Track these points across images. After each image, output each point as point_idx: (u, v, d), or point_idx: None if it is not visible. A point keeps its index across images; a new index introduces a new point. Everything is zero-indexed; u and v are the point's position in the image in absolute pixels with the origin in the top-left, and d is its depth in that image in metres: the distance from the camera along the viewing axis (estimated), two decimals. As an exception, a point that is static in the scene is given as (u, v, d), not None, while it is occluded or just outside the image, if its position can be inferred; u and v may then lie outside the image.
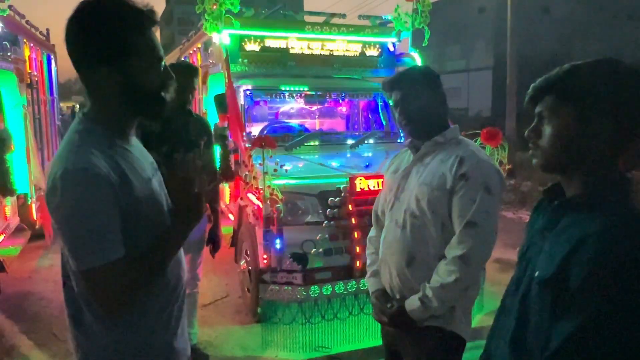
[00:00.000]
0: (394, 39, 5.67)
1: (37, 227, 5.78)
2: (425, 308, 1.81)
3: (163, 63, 1.35)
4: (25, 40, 5.73)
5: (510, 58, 12.62)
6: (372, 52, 5.68)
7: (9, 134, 4.24)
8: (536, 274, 1.07)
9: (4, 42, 4.77)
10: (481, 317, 4.16)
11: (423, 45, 5.48)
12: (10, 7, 4.61)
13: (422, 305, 1.81)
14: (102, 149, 1.28)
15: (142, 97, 1.32)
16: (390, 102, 1.92)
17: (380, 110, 5.73)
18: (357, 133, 5.61)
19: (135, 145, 1.45)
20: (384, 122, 5.66)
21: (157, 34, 1.35)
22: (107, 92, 1.30)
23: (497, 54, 20.31)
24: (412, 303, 1.84)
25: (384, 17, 5.73)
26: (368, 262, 2.14)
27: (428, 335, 1.87)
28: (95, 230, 1.21)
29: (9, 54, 4.97)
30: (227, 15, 4.76)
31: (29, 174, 5.40)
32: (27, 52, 5.76)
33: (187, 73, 3.20)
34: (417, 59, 5.47)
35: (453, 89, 23.32)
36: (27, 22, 6.03)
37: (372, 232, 2.15)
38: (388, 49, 5.72)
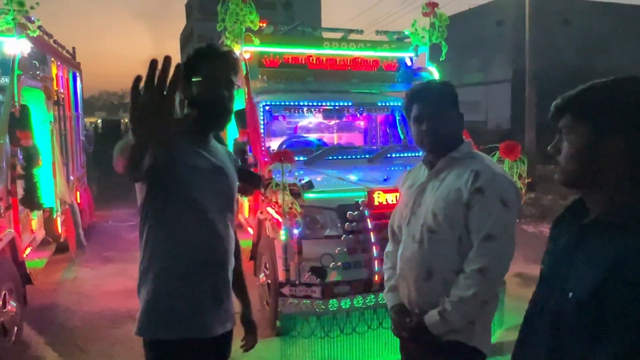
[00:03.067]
0: (412, 54, 5.72)
1: (61, 240, 5.92)
2: (445, 322, 1.81)
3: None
4: (53, 59, 5.94)
5: (529, 71, 12.55)
6: (390, 67, 5.73)
7: (37, 149, 4.38)
8: (570, 295, 1.08)
9: (33, 62, 4.96)
10: (502, 333, 4.12)
11: (441, 59, 5.52)
12: (39, 27, 4.79)
13: (442, 320, 1.81)
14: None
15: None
16: (409, 115, 1.94)
17: (398, 125, 5.76)
18: (375, 147, 5.64)
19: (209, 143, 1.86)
20: (402, 136, 5.69)
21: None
22: None
23: (516, 67, 20.15)
24: (432, 317, 1.84)
25: (401, 33, 5.78)
26: (385, 277, 2.15)
27: (448, 350, 1.87)
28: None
29: (38, 72, 5.16)
30: (247, 33, 4.88)
31: (54, 188, 5.54)
32: (54, 71, 5.97)
33: None
34: (435, 74, 5.50)
35: (471, 102, 23.16)
36: (54, 41, 6.25)
37: (389, 247, 2.16)
38: (405, 63, 5.77)
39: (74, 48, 7.99)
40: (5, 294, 3.62)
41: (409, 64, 5.77)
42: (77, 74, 7.82)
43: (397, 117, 5.70)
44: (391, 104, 5.57)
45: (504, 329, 4.17)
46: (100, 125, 23.21)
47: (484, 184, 1.77)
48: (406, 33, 5.65)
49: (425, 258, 1.88)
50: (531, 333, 1.22)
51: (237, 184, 1.98)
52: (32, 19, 4.43)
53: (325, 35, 6.58)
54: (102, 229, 8.26)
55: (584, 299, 1.03)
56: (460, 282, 1.80)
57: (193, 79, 1.76)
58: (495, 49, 24.65)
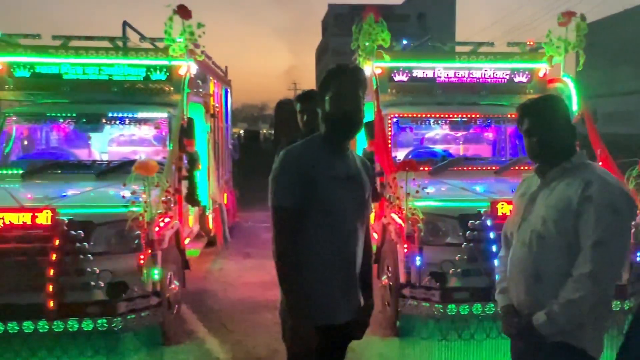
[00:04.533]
0: (545, 65, 5.58)
1: (211, 234, 6.80)
2: (552, 323, 1.91)
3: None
4: (211, 77, 6.89)
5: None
6: (521, 78, 5.65)
7: (198, 155, 5.18)
8: None
9: (197, 81, 5.86)
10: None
11: (578, 69, 5.32)
12: (202, 51, 5.64)
13: (549, 320, 1.91)
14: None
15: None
16: (522, 129, 2.09)
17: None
18: (503, 159, 5.60)
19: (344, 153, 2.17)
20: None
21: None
22: None
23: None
24: (539, 318, 1.95)
25: (534, 44, 5.68)
26: (497, 279, 2.29)
27: (556, 351, 1.96)
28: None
29: (200, 90, 6.08)
30: (378, 50, 5.22)
31: (208, 189, 6.41)
32: (212, 88, 6.91)
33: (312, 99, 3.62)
34: (570, 84, 5.31)
35: (624, 113, 20.90)
36: (212, 62, 7.22)
37: (502, 252, 2.30)
38: (538, 74, 5.64)
39: (226, 67, 9.06)
40: (171, 274, 4.36)
41: (542, 75, 5.64)
42: (228, 90, 8.86)
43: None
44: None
45: None
46: (242, 135, 25.44)
47: (594, 193, 1.86)
48: (540, 44, 5.54)
49: (533, 262, 2.00)
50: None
51: (369, 190, 2.25)
52: (199, 45, 5.26)
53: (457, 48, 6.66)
54: (243, 228, 9.18)
55: None
56: (568, 285, 1.89)
57: (325, 97, 2.10)
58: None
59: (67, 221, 3.69)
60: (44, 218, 3.63)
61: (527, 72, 5.65)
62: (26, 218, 3.63)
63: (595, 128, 5.03)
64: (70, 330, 3.55)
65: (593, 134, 4.93)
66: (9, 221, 3.62)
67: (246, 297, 5.47)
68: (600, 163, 4.71)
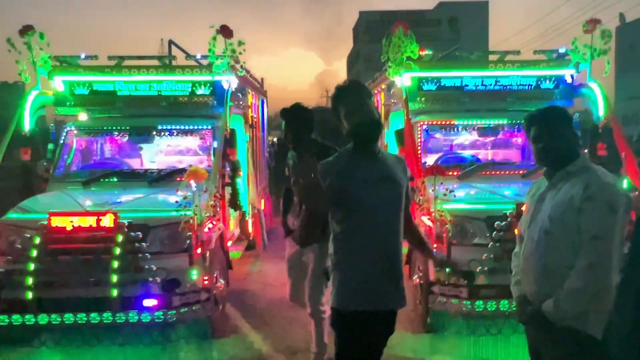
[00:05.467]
0: (572, 70, 5.74)
1: (250, 238, 7.20)
2: (558, 310, 2.15)
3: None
4: (250, 90, 7.32)
5: None
6: (548, 84, 5.82)
7: (239, 163, 5.58)
8: None
9: (237, 94, 6.28)
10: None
11: (604, 75, 5.46)
12: (242, 66, 6.06)
13: (555, 308, 2.15)
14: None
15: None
16: (529, 136, 2.34)
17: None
18: (530, 163, 5.77)
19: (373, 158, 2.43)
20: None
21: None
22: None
23: None
24: (547, 306, 2.19)
25: (560, 50, 5.84)
26: (513, 273, 2.54)
27: (564, 335, 2.19)
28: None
29: (240, 102, 6.50)
30: (407, 62, 5.51)
31: (248, 195, 6.81)
32: (250, 100, 7.34)
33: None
34: (596, 89, 5.45)
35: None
36: (250, 75, 7.65)
37: (517, 248, 2.53)
38: (565, 80, 5.80)
39: (262, 79, 9.51)
40: (217, 273, 4.75)
41: (569, 80, 5.79)
42: (264, 101, 9.29)
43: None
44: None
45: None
46: (275, 143, 25.94)
47: (594, 193, 2.10)
48: (566, 50, 5.70)
49: (541, 256, 2.24)
50: None
51: (407, 183, 2.50)
52: (239, 61, 5.68)
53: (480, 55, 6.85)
54: (279, 233, 9.48)
55: None
56: (572, 276, 2.13)
57: (340, 118, 2.40)
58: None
59: (127, 223, 4.12)
60: (107, 221, 4.08)
61: (553, 79, 5.81)
62: (92, 221, 4.09)
63: (621, 132, 5.16)
64: (131, 321, 3.96)
65: (619, 138, 5.07)
66: (77, 224, 4.09)
67: (283, 297, 5.75)
68: (627, 166, 4.86)
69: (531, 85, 5.84)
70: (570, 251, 2.16)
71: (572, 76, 5.77)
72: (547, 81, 5.83)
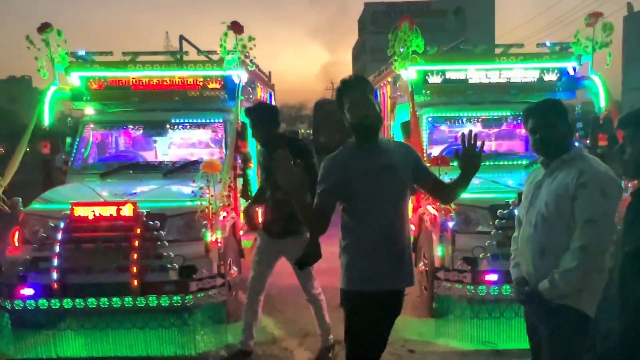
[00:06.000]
0: (574, 63, 5.86)
1: (260, 228, 7.39)
2: (553, 288, 2.32)
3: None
4: (258, 84, 7.50)
5: None
6: (551, 77, 5.95)
7: (250, 155, 5.77)
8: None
9: (248, 88, 6.45)
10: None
11: (606, 67, 5.59)
12: (251, 61, 6.23)
13: (551, 286, 2.33)
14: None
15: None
16: (527, 128, 2.51)
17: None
18: (534, 154, 5.90)
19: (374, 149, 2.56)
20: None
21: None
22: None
23: None
24: (544, 285, 2.36)
25: (563, 44, 5.97)
26: (512, 256, 2.71)
27: (559, 313, 2.36)
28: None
29: (250, 96, 6.68)
30: (413, 55, 5.66)
31: (257, 186, 7.00)
32: (259, 93, 7.52)
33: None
34: (598, 81, 5.58)
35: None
36: (259, 69, 7.82)
37: (515, 233, 2.71)
38: (568, 72, 5.93)
39: (269, 72, 9.67)
40: (230, 260, 4.95)
41: (572, 72, 5.92)
42: (272, 93, 9.46)
43: (558, 125, 5.89)
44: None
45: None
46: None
47: (587, 180, 2.26)
48: (568, 43, 5.83)
49: (538, 239, 2.41)
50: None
51: (414, 163, 2.62)
52: (249, 56, 5.85)
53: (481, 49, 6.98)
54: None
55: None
56: (566, 257, 2.30)
57: (344, 111, 2.55)
58: None
59: (145, 213, 4.32)
60: (127, 210, 4.28)
61: (556, 71, 5.94)
62: (112, 211, 4.30)
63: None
64: (151, 305, 4.17)
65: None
66: (99, 213, 4.30)
67: (294, 284, 5.91)
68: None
69: (534, 78, 5.97)
70: (565, 234, 2.33)
71: (574, 68, 5.90)
72: (550, 73, 5.96)
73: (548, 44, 6.20)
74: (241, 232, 6.01)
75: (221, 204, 4.61)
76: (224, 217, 4.67)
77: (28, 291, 4.19)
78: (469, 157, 2.53)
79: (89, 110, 6.08)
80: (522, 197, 2.69)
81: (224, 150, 5.70)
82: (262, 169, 4.15)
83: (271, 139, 3.91)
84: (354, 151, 2.55)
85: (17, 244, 4.41)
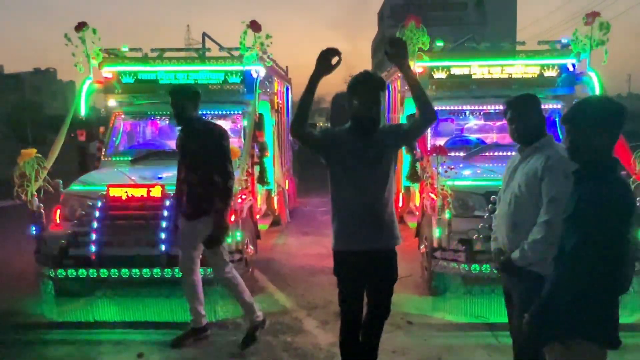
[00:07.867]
0: (573, 60, 6.18)
1: (276, 214, 7.90)
2: (523, 257, 2.71)
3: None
4: (275, 78, 7.95)
5: None
6: (551, 72, 6.29)
7: (266, 144, 6.25)
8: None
9: (265, 82, 6.92)
10: None
11: (602, 64, 5.91)
12: (268, 57, 6.68)
13: (522, 256, 2.71)
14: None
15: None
16: (506, 119, 2.89)
17: (558, 126, 6.27)
18: (533, 146, 6.25)
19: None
20: (561, 136, 6.19)
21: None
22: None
23: None
24: (515, 255, 2.75)
25: (562, 41, 6.28)
26: (492, 232, 3.12)
27: (529, 277, 2.74)
28: None
29: (267, 90, 7.14)
30: (419, 52, 6.05)
31: (273, 174, 7.48)
32: (276, 87, 7.97)
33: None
34: (594, 78, 5.90)
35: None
36: (276, 64, 8.26)
37: (497, 211, 3.12)
38: (567, 69, 6.25)
39: (287, 67, 10.09)
40: (247, 239, 5.44)
41: (571, 69, 6.24)
42: (289, 87, 9.90)
43: (556, 119, 6.22)
44: (549, 106, 6.13)
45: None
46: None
47: (552, 164, 2.63)
48: (567, 41, 6.15)
49: (511, 215, 2.80)
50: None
51: (394, 148, 3.03)
52: (267, 52, 6.31)
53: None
54: (301, 212, 10.24)
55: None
56: (534, 230, 2.69)
57: (354, 99, 2.88)
58: None
59: (172, 194, 4.83)
60: (156, 191, 4.80)
61: (556, 67, 6.27)
62: (143, 192, 4.82)
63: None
64: (176, 276, 4.68)
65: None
66: (131, 194, 4.82)
67: (305, 265, 6.49)
68: (617, 150, 5.32)
69: (535, 74, 6.31)
70: (533, 211, 2.70)
71: (573, 65, 6.22)
72: (550, 70, 6.29)
73: (563, 40, 6.45)
74: (257, 217, 6.51)
75: (239, 188, 5.08)
76: (242, 199, 5.15)
77: (69, 262, 4.74)
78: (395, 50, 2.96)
79: (120, 102, 6.60)
80: (502, 180, 3.08)
81: (242, 139, 6.17)
82: (178, 150, 4.17)
83: (187, 121, 4.01)
84: (348, 134, 2.95)
85: (58, 221, 4.97)
